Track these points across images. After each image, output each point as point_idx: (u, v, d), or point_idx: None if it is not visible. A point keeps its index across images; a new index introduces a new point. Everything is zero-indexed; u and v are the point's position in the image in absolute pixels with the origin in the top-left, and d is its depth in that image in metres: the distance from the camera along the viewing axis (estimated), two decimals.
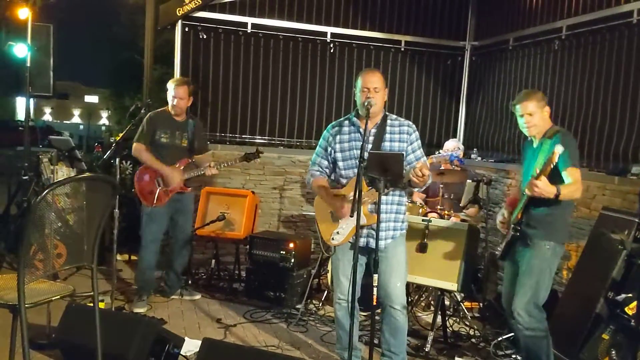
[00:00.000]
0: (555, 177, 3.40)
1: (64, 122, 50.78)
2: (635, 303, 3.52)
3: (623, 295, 3.77)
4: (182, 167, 5.05)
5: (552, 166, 3.25)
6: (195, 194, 5.50)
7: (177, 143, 5.08)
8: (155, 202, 4.99)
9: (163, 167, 5.00)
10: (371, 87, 3.59)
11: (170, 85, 5.05)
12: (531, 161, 3.68)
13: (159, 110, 5.19)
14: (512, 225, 3.69)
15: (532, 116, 3.62)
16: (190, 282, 5.57)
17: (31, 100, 6.23)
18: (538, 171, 3.33)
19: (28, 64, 5.86)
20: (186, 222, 5.28)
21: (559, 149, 3.18)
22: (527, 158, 3.81)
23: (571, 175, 3.42)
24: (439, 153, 3.54)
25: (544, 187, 3.30)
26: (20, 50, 5.91)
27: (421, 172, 3.33)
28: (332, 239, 3.76)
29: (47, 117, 48.19)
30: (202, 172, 5.05)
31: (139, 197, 5.10)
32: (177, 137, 5.09)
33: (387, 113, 3.76)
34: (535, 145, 3.73)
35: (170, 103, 5.05)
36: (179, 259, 5.33)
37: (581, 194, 3.49)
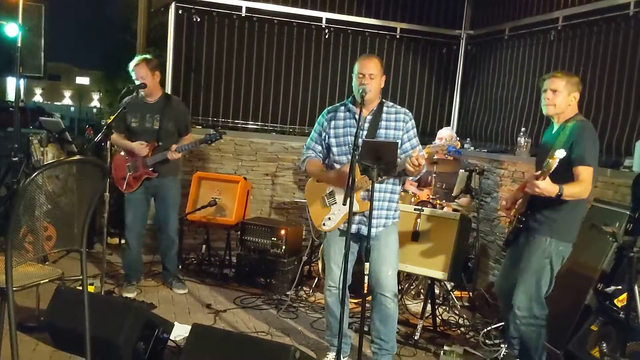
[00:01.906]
0: (566, 172, 3.32)
1: (55, 103, 50.43)
2: (624, 295, 3.53)
3: (613, 287, 3.79)
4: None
5: (550, 171, 3.12)
6: (179, 180, 5.28)
7: (147, 127, 4.94)
8: (125, 188, 4.95)
9: (131, 143, 4.93)
10: (366, 74, 3.56)
11: (130, 69, 4.90)
12: (546, 149, 3.52)
13: (132, 95, 5.05)
14: (517, 217, 3.61)
15: (555, 94, 3.46)
16: (180, 267, 5.54)
17: (21, 80, 6.15)
18: (539, 172, 3.20)
19: (19, 44, 5.78)
20: (165, 210, 5.12)
21: (559, 154, 3.03)
22: (544, 145, 3.68)
23: (580, 174, 3.31)
24: (435, 143, 3.50)
25: (545, 187, 3.18)
26: (11, 29, 5.82)
27: (417, 162, 3.32)
28: (323, 224, 3.74)
29: (38, 98, 47.87)
30: (166, 157, 4.87)
31: (114, 184, 5.06)
32: (148, 121, 4.95)
33: (383, 100, 3.74)
34: (554, 130, 3.59)
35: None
36: (162, 249, 5.26)
37: (587, 193, 3.36)
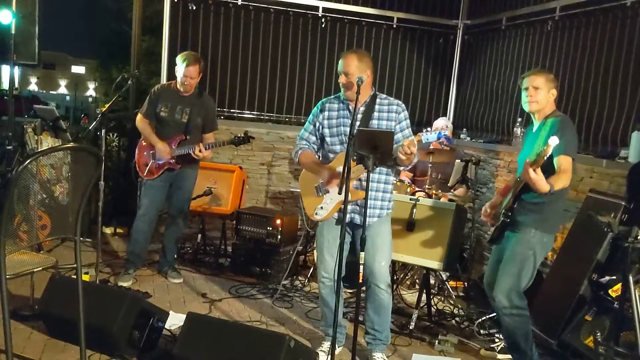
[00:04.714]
0: (547, 163, 3.34)
1: (50, 92, 50.21)
2: (619, 285, 3.55)
3: (607, 278, 3.81)
4: (174, 143, 4.93)
5: (544, 159, 3.12)
6: (197, 172, 5.26)
7: (176, 118, 4.94)
8: (146, 174, 4.99)
9: (155, 140, 4.94)
10: (341, 72, 3.60)
11: (181, 63, 4.85)
12: (529, 147, 3.62)
13: (165, 83, 5.13)
14: (503, 211, 3.65)
15: (537, 91, 3.53)
16: (175, 256, 5.53)
17: (16, 69, 6.11)
18: (532, 160, 3.20)
19: (13, 32, 5.74)
20: (180, 199, 5.13)
21: (553, 142, 3.05)
22: (526, 144, 3.75)
23: (562, 164, 3.37)
24: (427, 130, 3.50)
25: (538, 181, 3.19)
26: (5, 17, 5.77)
27: (409, 150, 3.31)
28: (316, 214, 3.74)
29: (33, 87, 47.64)
30: (190, 152, 4.86)
31: (136, 168, 5.10)
32: (178, 112, 4.94)
33: (377, 92, 3.73)
34: (534, 129, 3.67)
35: (179, 81, 4.89)
36: (167, 235, 5.27)
37: (569, 182, 3.42)
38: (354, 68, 3.56)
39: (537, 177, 3.18)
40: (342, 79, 3.61)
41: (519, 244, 3.58)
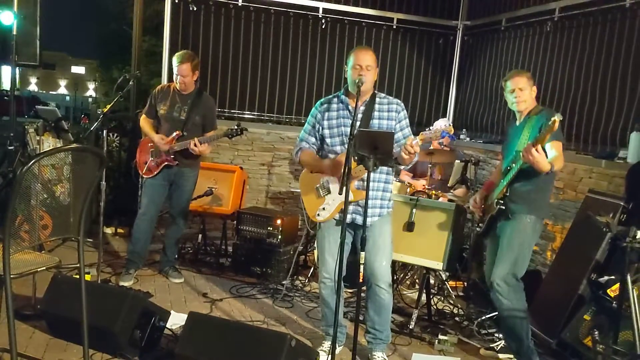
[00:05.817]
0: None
1: (50, 92, 50.14)
2: (617, 285, 3.57)
3: (606, 277, 3.83)
4: (172, 139, 4.94)
5: (550, 134, 3.28)
6: (197, 173, 5.28)
7: (174, 115, 4.98)
8: (145, 172, 5.03)
9: (153, 134, 5.01)
10: (364, 65, 3.55)
11: (174, 62, 4.93)
12: (514, 140, 3.76)
13: (166, 84, 5.22)
14: (496, 200, 3.77)
15: (523, 91, 3.71)
16: (176, 256, 5.55)
17: (16, 69, 6.12)
18: (533, 140, 3.37)
19: (14, 32, 5.75)
20: (179, 198, 5.16)
21: (559, 117, 3.21)
22: (510, 137, 3.88)
23: (555, 148, 3.54)
24: (430, 129, 3.53)
25: (542, 160, 3.36)
26: (6, 17, 5.79)
27: (412, 149, 3.34)
28: (318, 214, 3.75)
29: (33, 87, 47.57)
30: (186, 147, 4.86)
31: (137, 167, 5.16)
32: (176, 110, 4.98)
33: (376, 92, 3.75)
34: (518, 123, 3.81)
35: (174, 79, 4.96)
36: (168, 235, 5.30)
37: (563, 164, 3.62)
38: (374, 62, 3.62)
39: (540, 156, 3.34)
40: (363, 72, 3.52)
41: (514, 231, 3.70)
